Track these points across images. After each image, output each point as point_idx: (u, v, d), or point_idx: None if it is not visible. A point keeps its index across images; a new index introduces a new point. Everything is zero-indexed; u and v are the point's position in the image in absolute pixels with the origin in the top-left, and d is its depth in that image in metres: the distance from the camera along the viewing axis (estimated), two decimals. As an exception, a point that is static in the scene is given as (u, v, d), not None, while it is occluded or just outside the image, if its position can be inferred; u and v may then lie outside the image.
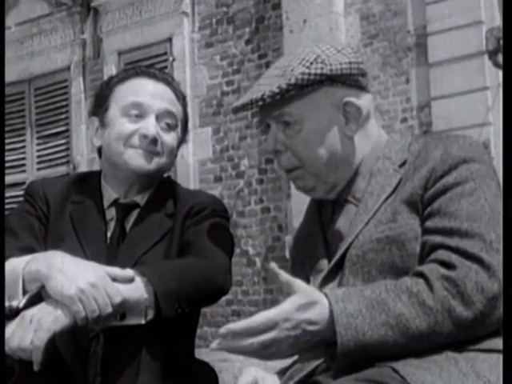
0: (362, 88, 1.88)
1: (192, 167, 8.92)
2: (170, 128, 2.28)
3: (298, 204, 6.78)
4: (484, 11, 7.11)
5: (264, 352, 1.56)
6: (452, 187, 1.71)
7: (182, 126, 2.34)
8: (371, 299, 1.59)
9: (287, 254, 7.58)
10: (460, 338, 1.59)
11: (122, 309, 1.91)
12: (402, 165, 1.82)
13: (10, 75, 10.23)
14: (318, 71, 1.81)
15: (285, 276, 1.61)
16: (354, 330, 1.54)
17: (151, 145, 2.23)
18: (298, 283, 1.60)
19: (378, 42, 7.78)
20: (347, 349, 1.54)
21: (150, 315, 1.95)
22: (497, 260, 1.60)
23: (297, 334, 1.55)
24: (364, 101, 1.88)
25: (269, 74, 1.87)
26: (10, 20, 10.60)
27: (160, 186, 2.31)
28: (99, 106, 2.30)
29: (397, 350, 1.56)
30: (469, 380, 1.49)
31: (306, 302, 1.57)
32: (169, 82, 2.31)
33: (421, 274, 1.62)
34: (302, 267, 1.90)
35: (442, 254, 1.63)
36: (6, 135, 10.29)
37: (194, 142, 8.81)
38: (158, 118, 2.25)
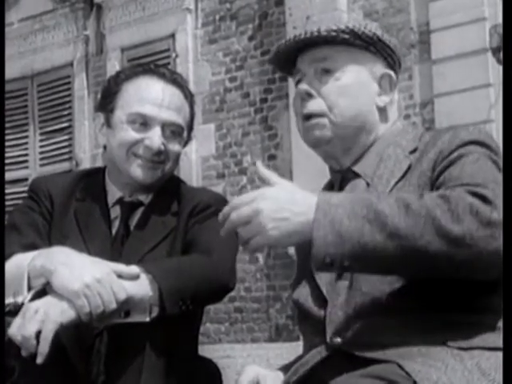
0: (396, 73, 1.96)
1: (195, 164, 8.92)
2: (176, 135, 2.26)
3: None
4: (487, 8, 7.11)
5: (248, 229, 1.57)
6: (456, 160, 1.72)
7: (189, 125, 2.32)
8: (358, 196, 1.61)
9: (289, 250, 7.58)
10: (443, 260, 1.52)
11: (127, 306, 1.91)
12: (413, 152, 1.84)
13: (12, 71, 10.23)
14: (373, 29, 1.90)
15: (268, 172, 1.67)
16: (332, 218, 1.54)
17: (155, 156, 2.22)
18: (281, 179, 1.66)
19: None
20: (323, 234, 1.54)
21: (155, 312, 1.95)
22: (499, 201, 1.54)
23: (274, 206, 1.57)
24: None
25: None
26: (12, 16, 10.60)
27: (164, 185, 2.30)
28: (105, 103, 2.28)
29: (376, 249, 1.53)
30: (474, 377, 1.49)
31: (291, 187, 1.63)
32: (177, 81, 2.29)
33: (419, 194, 1.62)
34: (307, 258, 1.89)
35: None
36: (9, 131, 10.30)
37: (197, 138, 8.81)
38: (163, 127, 2.23)
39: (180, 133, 2.27)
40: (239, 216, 1.58)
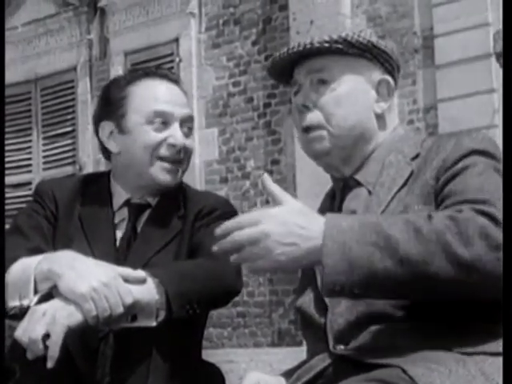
0: (394, 79, 1.95)
1: (198, 168, 8.93)
2: (190, 132, 2.30)
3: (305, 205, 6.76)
4: (491, 13, 7.11)
5: (251, 251, 1.53)
6: (461, 171, 1.71)
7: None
8: (367, 220, 1.57)
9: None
10: (453, 284, 1.51)
11: (133, 310, 1.91)
12: (415, 158, 1.83)
13: (16, 75, 10.25)
14: (367, 37, 1.89)
15: (275, 187, 1.61)
16: (341, 244, 1.51)
17: (178, 153, 2.24)
18: (289, 197, 1.61)
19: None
20: (332, 262, 1.50)
21: (161, 317, 1.95)
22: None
23: (282, 230, 1.53)
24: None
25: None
26: (16, 20, 10.62)
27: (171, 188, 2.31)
28: (112, 110, 2.27)
29: (387, 277, 1.51)
30: (477, 382, 1.49)
31: (299, 209, 1.58)
32: (178, 81, 2.32)
33: (428, 215, 1.58)
34: (311, 267, 1.89)
35: (454, 208, 1.61)
36: (12, 135, 10.32)
37: (200, 142, 8.82)
38: (181, 124, 2.25)
39: (192, 129, 2.30)
40: (245, 236, 1.55)
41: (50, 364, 1.84)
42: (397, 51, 1.97)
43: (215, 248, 1.58)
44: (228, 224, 1.58)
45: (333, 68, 1.90)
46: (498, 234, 1.50)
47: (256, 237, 1.54)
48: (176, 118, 2.24)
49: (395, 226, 1.53)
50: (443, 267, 1.49)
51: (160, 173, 2.23)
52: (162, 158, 2.23)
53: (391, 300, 1.64)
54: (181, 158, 2.25)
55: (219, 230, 1.58)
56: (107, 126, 2.28)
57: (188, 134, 2.28)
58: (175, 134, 2.23)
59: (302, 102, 1.91)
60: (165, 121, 2.23)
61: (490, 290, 1.53)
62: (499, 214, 1.53)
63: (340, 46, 1.88)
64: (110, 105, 2.28)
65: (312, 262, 1.57)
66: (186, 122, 2.27)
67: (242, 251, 1.55)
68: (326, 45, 1.88)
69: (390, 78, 1.93)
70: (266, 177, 1.63)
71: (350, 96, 1.89)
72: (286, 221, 1.55)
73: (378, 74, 1.92)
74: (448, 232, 1.51)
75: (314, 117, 1.89)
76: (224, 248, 1.57)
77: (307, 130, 1.90)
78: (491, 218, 1.52)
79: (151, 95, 2.25)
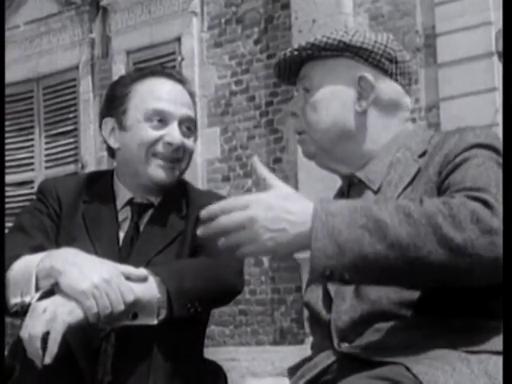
0: (386, 72, 1.90)
1: (200, 167, 8.93)
2: (190, 132, 2.29)
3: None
4: (493, 12, 7.11)
5: (238, 236, 1.51)
6: (461, 163, 1.70)
7: (196, 124, 2.36)
8: (357, 204, 1.54)
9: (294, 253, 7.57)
10: (444, 269, 1.49)
11: (135, 308, 1.91)
12: (422, 155, 1.82)
13: (18, 74, 10.26)
14: (338, 37, 1.87)
15: (264, 171, 1.60)
16: (331, 227, 1.49)
17: (175, 152, 2.23)
18: (278, 182, 1.59)
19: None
20: (322, 245, 1.49)
21: (163, 315, 1.95)
22: (500, 208, 1.50)
23: (270, 215, 1.51)
24: (384, 84, 1.90)
25: None
26: (18, 19, 10.62)
27: (173, 186, 2.31)
28: (115, 107, 2.28)
29: (377, 260, 1.49)
30: (480, 381, 1.49)
31: (287, 194, 1.56)
32: (184, 81, 2.33)
33: (420, 200, 1.56)
34: None
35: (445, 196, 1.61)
36: (15, 134, 10.33)
37: (203, 141, 8.83)
38: (180, 123, 2.25)
39: (193, 129, 2.30)
40: (231, 221, 1.52)
41: (47, 360, 1.83)
42: (386, 41, 1.91)
43: (200, 231, 1.55)
44: (214, 207, 1.54)
45: (313, 75, 1.92)
46: (489, 218, 1.48)
47: (243, 222, 1.51)
48: (175, 117, 2.24)
49: (385, 210, 1.51)
50: (434, 250, 1.47)
51: (155, 170, 2.23)
52: (157, 156, 2.23)
53: (382, 285, 1.63)
54: (178, 156, 2.25)
55: (204, 213, 1.55)
56: (110, 123, 2.29)
57: (188, 133, 2.28)
58: (172, 132, 2.23)
59: (290, 110, 1.97)
60: (163, 119, 2.23)
61: (483, 275, 1.51)
62: (494, 201, 1.51)
63: (310, 51, 1.89)
64: (114, 101, 2.30)
65: (301, 247, 1.54)
66: (186, 122, 2.27)
67: (228, 236, 1.53)
68: (296, 53, 1.90)
69: (368, 75, 1.87)
70: (256, 160, 1.63)
71: (324, 100, 1.89)
72: (274, 206, 1.53)
73: (359, 71, 1.89)
74: (440, 215, 1.49)
75: (298, 123, 1.94)
76: (209, 232, 1.54)
77: (297, 134, 1.96)
78: (484, 202, 1.50)
79: (152, 93, 2.26)
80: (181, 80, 2.32)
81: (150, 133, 2.23)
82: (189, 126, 2.28)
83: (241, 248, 1.53)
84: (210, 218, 1.54)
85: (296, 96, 1.96)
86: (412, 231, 1.48)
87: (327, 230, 1.49)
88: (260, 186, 1.61)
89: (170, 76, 2.30)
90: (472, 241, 1.47)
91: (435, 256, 1.48)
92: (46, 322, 1.84)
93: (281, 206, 1.53)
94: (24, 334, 1.85)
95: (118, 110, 2.27)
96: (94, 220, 2.25)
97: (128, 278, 1.93)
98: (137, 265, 2.02)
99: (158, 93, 2.25)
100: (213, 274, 2.09)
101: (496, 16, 7.04)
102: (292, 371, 1.85)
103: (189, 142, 2.28)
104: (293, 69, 1.96)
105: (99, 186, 2.32)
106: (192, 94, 2.35)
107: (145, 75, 2.30)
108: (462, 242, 1.47)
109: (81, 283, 1.88)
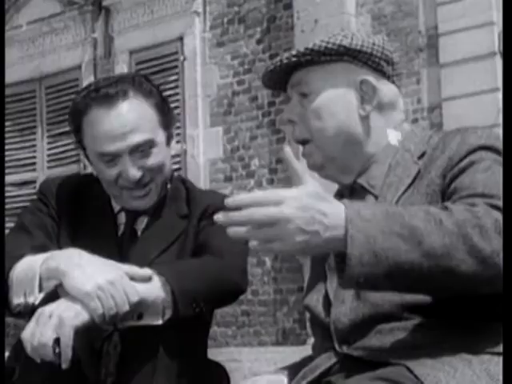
0: (384, 74, 1.89)
1: (202, 167, 8.92)
2: (149, 148, 2.17)
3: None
4: (495, 12, 7.10)
5: (268, 232, 1.45)
6: (468, 167, 1.69)
7: (163, 125, 2.22)
8: (388, 210, 1.51)
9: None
10: (471, 278, 1.48)
11: (140, 308, 1.91)
12: (421, 157, 1.81)
13: (21, 74, 10.26)
14: (337, 42, 1.84)
15: (297, 164, 1.54)
16: (366, 234, 1.45)
17: (139, 181, 2.16)
18: (309, 177, 1.53)
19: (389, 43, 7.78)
20: (358, 252, 1.45)
21: (168, 315, 1.95)
22: None
23: (305, 216, 1.45)
24: (384, 87, 1.88)
25: None
26: (21, 19, 10.63)
27: (172, 187, 2.30)
28: (79, 139, 2.22)
29: (411, 269, 1.47)
30: (482, 382, 1.49)
31: (319, 193, 1.49)
32: (126, 92, 2.16)
33: (443, 206, 1.55)
34: (321, 263, 1.89)
35: (465, 201, 1.59)
36: (17, 133, 10.33)
37: (205, 141, 8.82)
38: (131, 153, 2.15)
39: (152, 144, 2.17)
40: (265, 215, 1.44)
41: (64, 365, 1.84)
42: (383, 43, 1.89)
43: (219, 217, 1.46)
44: (244, 197, 1.47)
45: (311, 80, 1.87)
46: None
47: (277, 218, 1.45)
48: (122, 151, 2.14)
49: (417, 217, 1.49)
50: (464, 260, 1.47)
51: (130, 201, 2.20)
52: (125, 188, 2.18)
53: (411, 293, 1.60)
54: (145, 181, 2.17)
55: (231, 200, 1.47)
56: (82, 152, 2.27)
57: (148, 153, 2.16)
58: (126, 168, 2.14)
59: (288, 117, 1.91)
60: (112, 157, 2.15)
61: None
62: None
63: (309, 57, 1.85)
64: (75, 134, 2.23)
65: (330, 250, 1.52)
66: (140, 147, 2.15)
67: (257, 230, 1.45)
68: (294, 59, 1.85)
69: (370, 78, 1.86)
70: (288, 151, 1.56)
71: (329, 106, 1.85)
72: (308, 206, 1.46)
73: (359, 75, 1.86)
74: (468, 224, 1.48)
75: (299, 131, 1.89)
76: (232, 220, 1.47)
77: (299, 143, 1.90)
78: (501, 212, 1.50)
79: (93, 136, 2.15)
80: (122, 93, 2.15)
81: (108, 172, 2.17)
82: (145, 147, 2.15)
83: (268, 244, 1.47)
84: (236, 207, 1.47)
85: (291, 102, 1.91)
86: (446, 240, 1.47)
87: (363, 237, 1.46)
88: (293, 179, 1.53)
89: (111, 99, 2.14)
90: (498, 252, 1.47)
91: (465, 266, 1.47)
92: (54, 328, 1.84)
93: (315, 207, 1.47)
94: (32, 341, 1.85)
95: (81, 144, 2.23)
96: (93, 221, 2.25)
97: (132, 278, 1.93)
98: (138, 266, 2.01)
99: (97, 134, 2.14)
100: (217, 273, 2.08)
101: (498, 16, 7.03)
102: (291, 368, 1.85)
103: (150, 159, 2.17)
104: (282, 75, 1.91)
105: (99, 187, 2.31)
106: (144, 93, 2.19)
107: (88, 105, 2.16)
108: (490, 253, 1.47)
109: (85, 285, 1.88)
